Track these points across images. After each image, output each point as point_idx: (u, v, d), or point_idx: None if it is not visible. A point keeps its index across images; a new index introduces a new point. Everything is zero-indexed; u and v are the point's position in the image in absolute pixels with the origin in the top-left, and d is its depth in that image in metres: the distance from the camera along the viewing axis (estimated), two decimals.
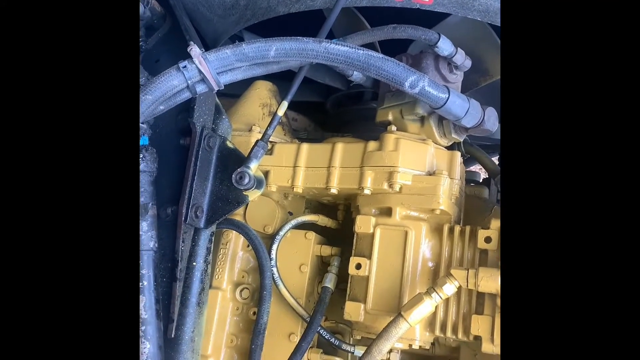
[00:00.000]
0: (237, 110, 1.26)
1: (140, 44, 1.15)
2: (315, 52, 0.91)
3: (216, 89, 0.95)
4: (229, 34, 1.30)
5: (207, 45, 1.43)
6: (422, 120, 1.09)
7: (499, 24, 1.10)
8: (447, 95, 0.94)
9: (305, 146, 1.14)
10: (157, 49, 1.16)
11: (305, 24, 1.15)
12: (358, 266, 1.03)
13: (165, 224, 1.04)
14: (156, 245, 1.00)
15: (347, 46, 0.91)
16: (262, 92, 1.27)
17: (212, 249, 1.10)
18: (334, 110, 1.56)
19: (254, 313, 1.14)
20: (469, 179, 1.36)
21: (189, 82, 0.91)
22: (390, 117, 1.13)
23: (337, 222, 1.22)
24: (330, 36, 1.14)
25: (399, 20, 1.11)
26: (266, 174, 1.14)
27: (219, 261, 1.16)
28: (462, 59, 1.06)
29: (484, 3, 1.09)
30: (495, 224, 0.97)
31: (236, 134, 1.20)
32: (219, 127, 1.13)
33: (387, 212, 1.05)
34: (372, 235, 1.04)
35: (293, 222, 1.15)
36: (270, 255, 1.10)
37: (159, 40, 1.17)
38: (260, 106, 1.25)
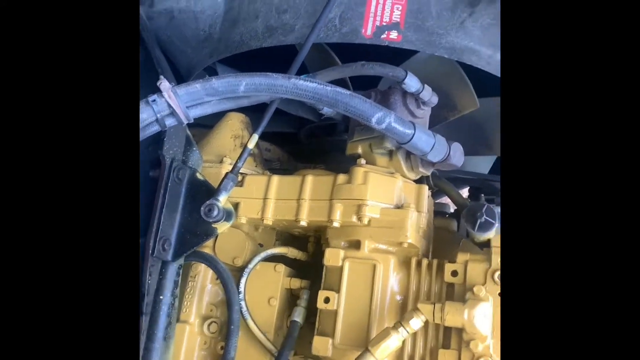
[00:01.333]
0: (208, 142, 1.26)
1: None
2: (284, 88, 0.93)
3: (185, 122, 0.95)
4: (203, 65, 1.32)
5: (181, 76, 1.44)
6: (390, 154, 1.11)
7: (465, 61, 1.13)
8: (412, 132, 0.96)
9: (275, 178, 1.15)
10: None
11: (280, 57, 1.17)
12: (326, 300, 1.03)
13: None
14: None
15: (315, 82, 0.93)
16: (234, 123, 1.28)
17: (179, 282, 1.09)
18: (307, 141, 1.57)
19: (222, 348, 1.12)
20: (438, 211, 1.37)
21: (158, 115, 0.92)
22: (359, 151, 1.14)
23: (307, 255, 1.22)
24: (304, 70, 1.17)
25: (372, 55, 1.14)
26: (236, 205, 1.14)
27: (187, 294, 1.15)
28: (429, 96, 1.09)
29: (450, 41, 1.13)
30: (462, 257, 0.99)
31: (207, 165, 1.20)
32: (189, 159, 1.13)
33: (356, 245, 1.05)
34: (341, 269, 1.04)
35: (262, 254, 1.14)
36: (238, 289, 1.09)
37: None
38: (232, 138, 1.26)
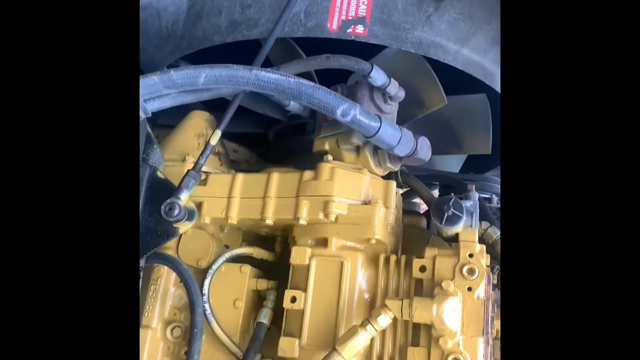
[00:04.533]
0: (171, 140, 1.22)
1: None
2: (245, 80, 0.90)
3: (143, 116, 0.92)
4: (166, 63, 1.28)
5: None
6: (357, 149, 1.09)
7: (432, 56, 1.12)
8: (378, 124, 0.94)
9: (240, 176, 1.11)
10: None
11: (244, 54, 1.15)
12: (293, 299, 0.99)
13: None
14: None
15: (278, 74, 0.91)
16: (199, 121, 1.25)
17: (141, 285, 1.04)
18: (276, 141, 1.54)
19: (186, 352, 1.07)
20: (408, 210, 1.35)
21: None
22: (326, 147, 1.12)
23: (274, 255, 1.18)
24: (268, 65, 1.14)
25: (338, 50, 1.13)
26: (199, 205, 1.10)
27: (149, 298, 1.10)
28: (396, 90, 1.07)
29: (417, 36, 1.12)
30: (430, 252, 0.96)
31: (170, 164, 1.15)
32: (150, 157, 1.08)
33: (323, 242, 1.02)
34: (308, 267, 1.01)
35: (227, 255, 1.10)
36: (202, 291, 1.05)
37: None
38: (196, 136, 1.22)
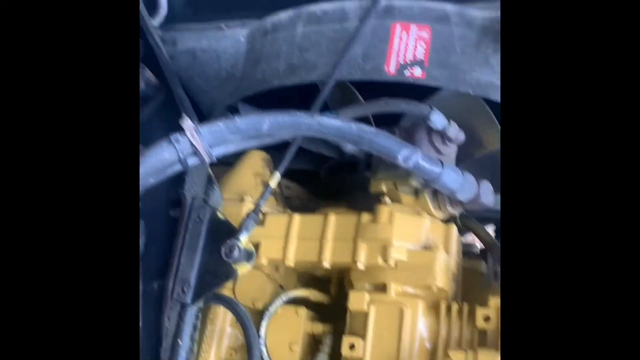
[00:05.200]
0: (229, 180, 1.24)
1: None
2: (308, 126, 0.91)
3: (208, 162, 0.94)
4: (224, 104, 1.32)
5: (203, 115, 1.43)
6: (416, 192, 1.08)
7: (490, 98, 1.11)
8: (440, 170, 0.94)
9: (297, 217, 1.12)
10: (150, 120, 1.16)
11: (301, 95, 1.16)
12: (351, 347, 0.98)
13: (151, 300, 1.00)
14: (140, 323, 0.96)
15: (339, 120, 0.91)
16: (255, 161, 1.27)
17: (199, 325, 1.05)
18: (328, 178, 1.55)
19: None
20: (465, 252, 1.32)
21: (181, 155, 0.90)
22: (383, 189, 1.11)
23: (329, 297, 1.17)
24: (325, 109, 1.15)
25: (390, 92, 1.13)
26: (257, 245, 1.10)
27: (206, 338, 1.11)
28: (456, 132, 1.06)
29: (475, 77, 1.11)
30: (495, 301, 0.94)
31: (227, 204, 1.17)
32: (210, 198, 1.11)
33: (382, 288, 1.01)
34: (366, 314, 0.99)
35: (283, 297, 1.10)
36: (259, 333, 1.05)
37: (152, 111, 1.17)
38: (253, 176, 1.24)
